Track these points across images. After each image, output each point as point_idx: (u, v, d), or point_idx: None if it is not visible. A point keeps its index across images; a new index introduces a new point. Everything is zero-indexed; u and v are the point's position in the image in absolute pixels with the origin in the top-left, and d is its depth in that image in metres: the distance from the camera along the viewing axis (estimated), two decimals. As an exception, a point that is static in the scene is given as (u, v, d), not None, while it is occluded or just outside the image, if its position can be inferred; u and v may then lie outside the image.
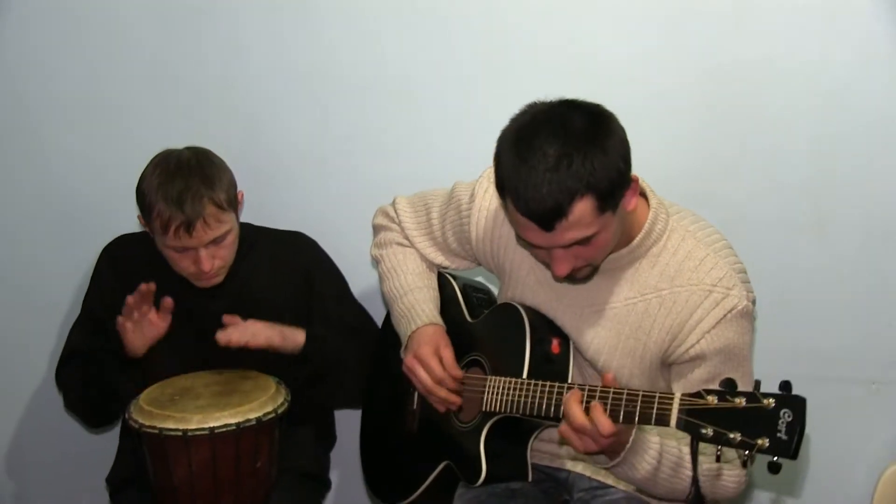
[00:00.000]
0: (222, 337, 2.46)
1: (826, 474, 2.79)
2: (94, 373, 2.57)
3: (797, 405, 1.67)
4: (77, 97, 2.88)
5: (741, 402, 1.70)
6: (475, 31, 2.72)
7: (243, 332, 2.49)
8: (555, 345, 2.21)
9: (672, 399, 1.80)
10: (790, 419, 1.66)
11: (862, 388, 2.73)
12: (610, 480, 2.29)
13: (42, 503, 3.15)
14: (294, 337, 2.54)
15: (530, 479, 2.27)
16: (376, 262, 2.56)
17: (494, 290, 2.60)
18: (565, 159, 1.89)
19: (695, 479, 1.82)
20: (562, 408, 2.00)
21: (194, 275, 2.50)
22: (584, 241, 1.98)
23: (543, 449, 2.34)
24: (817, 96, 2.60)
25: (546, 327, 2.24)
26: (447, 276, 2.55)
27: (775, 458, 1.68)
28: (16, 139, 2.93)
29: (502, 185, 1.99)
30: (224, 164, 2.51)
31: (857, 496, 2.74)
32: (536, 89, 2.70)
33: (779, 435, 1.66)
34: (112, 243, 2.70)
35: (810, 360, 2.72)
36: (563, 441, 2.13)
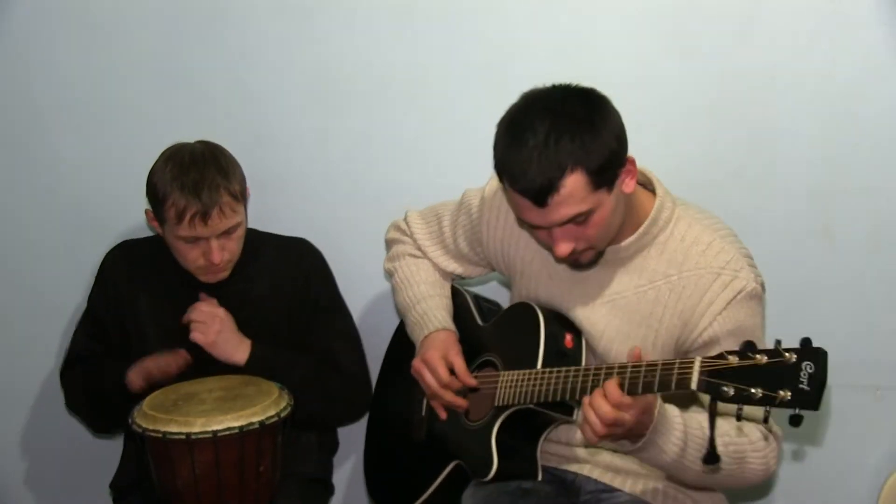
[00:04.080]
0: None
1: (830, 480, 2.79)
2: (94, 380, 2.58)
3: (819, 357, 1.69)
4: (85, 100, 2.89)
5: (763, 358, 1.72)
6: (482, 36, 2.72)
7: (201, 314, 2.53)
8: (568, 339, 2.23)
9: (692, 363, 1.82)
10: (812, 370, 1.68)
11: (867, 394, 2.73)
12: (616, 483, 2.29)
13: (45, 508, 3.16)
14: (230, 353, 2.53)
15: (540, 477, 2.28)
16: (389, 274, 2.59)
17: (503, 304, 2.60)
18: (554, 135, 1.96)
19: (711, 439, 1.82)
20: (578, 393, 2.02)
21: (203, 268, 2.51)
22: (581, 220, 2.02)
23: (552, 450, 2.35)
24: (824, 102, 2.61)
25: (559, 323, 2.26)
26: (458, 287, 2.58)
27: (797, 410, 1.69)
28: (24, 141, 2.93)
29: (499, 168, 2.05)
30: (234, 158, 2.54)
31: (861, 502, 2.74)
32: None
33: (801, 386, 1.68)
34: (115, 248, 2.71)
35: (815, 365, 2.72)
36: (585, 442, 2.18)
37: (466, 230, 2.44)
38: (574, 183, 1.96)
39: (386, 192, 2.82)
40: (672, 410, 2.02)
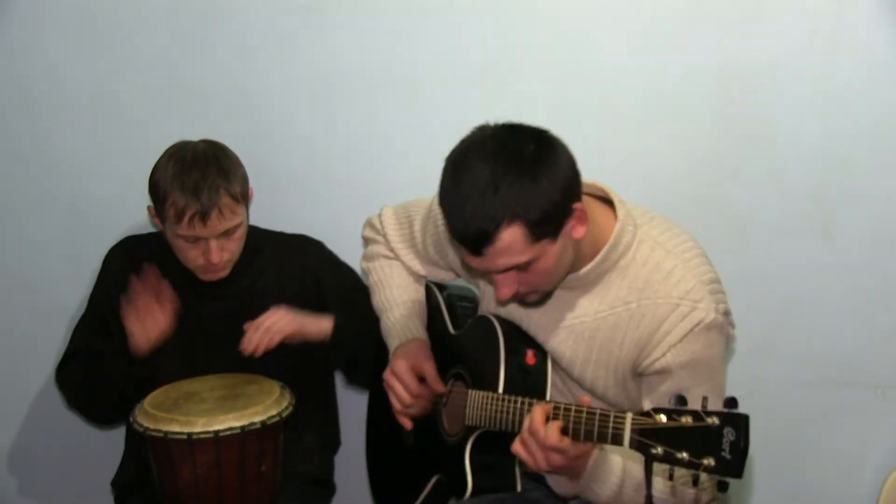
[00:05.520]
0: (247, 346, 2.50)
1: (831, 479, 2.79)
2: (95, 371, 2.57)
3: (740, 423, 1.65)
4: (85, 99, 2.88)
5: (688, 420, 1.69)
6: (482, 33, 2.73)
7: (265, 332, 2.50)
8: (530, 356, 2.19)
9: (624, 418, 1.79)
10: (733, 438, 1.65)
11: (867, 393, 2.73)
12: None
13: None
14: (319, 325, 2.54)
15: (519, 489, 2.24)
16: (366, 274, 2.58)
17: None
18: (491, 185, 1.87)
19: (648, 498, 1.81)
20: None
21: (202, 267, 2.51)
22: (523, 268, 1.96)
23: None
24: (823, 100, 2.61)
25: (520, 339, 2.22)
26: (433, 287, 2.56)
27: (722, 478, 1.68)
28: (24, 140, 2.93)
29: (441, 208, 1.99)
30: (238, 158, 2.54)
31: (862, 501, 2.75)
32: (543, 91, 2.71)
33: (723, 454, 1.65)
34: (118, 244, 2.71)
35: (816, 365, 2.72)
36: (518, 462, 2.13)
37: (434, 238, 2.41)
38: (511, 236, 1.89)
39: (385, 192, 2.80)
40: (612, 457, 2.01)
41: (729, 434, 1.65)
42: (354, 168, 2.86)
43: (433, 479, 2.36)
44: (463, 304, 2.56)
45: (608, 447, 1.95)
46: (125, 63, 2.85)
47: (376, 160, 2.85)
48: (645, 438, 1.75)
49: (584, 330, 2.14)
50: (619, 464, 2.02)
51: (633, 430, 1.77)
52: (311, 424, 2.67)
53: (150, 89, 2.86)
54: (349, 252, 2.74)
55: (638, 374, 2.12)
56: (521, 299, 2.09)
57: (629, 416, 1.79)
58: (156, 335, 2.49)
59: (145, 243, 2.69)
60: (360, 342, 2.58)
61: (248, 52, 2.82)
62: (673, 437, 1.71)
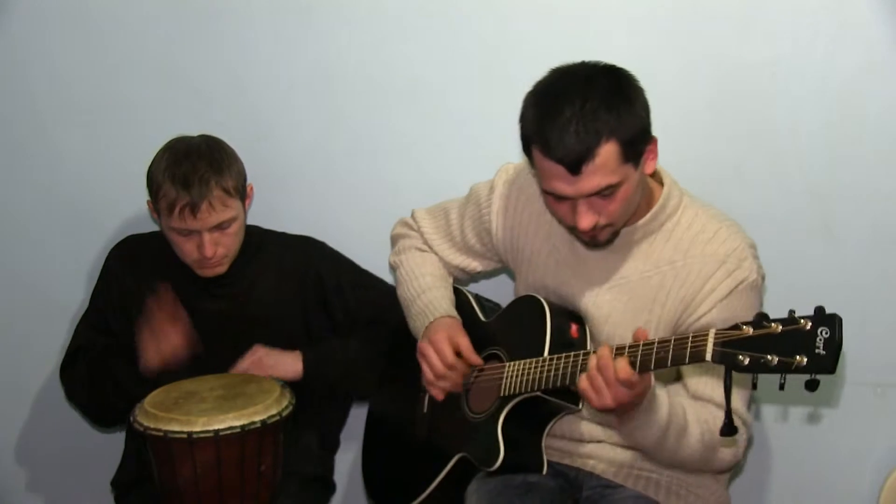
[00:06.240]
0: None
1: (831, 478, 2.79)
2: (99, 372, 2.58)
3: (834, 322, 1.70)
4: (85, 98, 2.89)
5: (777, 327, 1.73)
6: (483, 33, 2.72)
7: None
8: (574, 329, 2.26)
9: (706, 335, 1.84)
10: (828, 335, 1.69)
11: (867, 391, 2.73)
12: (619, 479, 2.31)
13: (46, 504, 3.17)
14: (294, 367, 2.58)
15: (545, 471, 2.29)
16: (394, 268, 2.60)
17: (504, 304, 2.60)
18: (590, 104, 2.00)
19: (728, 411, 1.84)
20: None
21: (197, 261, 2.52)
22: (608, 193, 2.04)
23: (555, 445, 2.36)
24: (824, 99, 2.61)
25: (564, 313, 2.29)
26: (459, 287, 2.59)
27: (813, 375, 1.71)
28: (25, 138, 2.94)
29: (529, 140, 2.08)
30: (235, 154, 2.55)
31: (862, 500, 2.74)
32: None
33: (817, 351, 1.69)
34: (121, 242, 2.72)
35: (815, 363, 2.71)
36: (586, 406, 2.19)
37: (475, 221, 2.46)
38: (608, 152, 2.00)
39: (386, 191, 2.83)
40: (659, 398, 2.06)
41: (823, 333, 1.70)
42: (355, 167, 2.86)
43: (452, 461, 2.37)
44: (490, 304, 2.61)
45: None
46: (126, 62, 2.86)
47: (377, 159, 2.85)
48: (729, 349, 1.78)
49: (630, 289, 2.23)
50: (665, 408, 2.07)
51: (715, 344, 1.81)
52: (311, 424, 2.67)
53: (151, 89, 2.87)
54: (349, 250, 2.75)
55: (678, 333, 2.15)
56: (594, 237, 2.15)
57: (712, 330, 1.83)
58: (169, 355, 2.52)
59: (147, 242, 2.70)
60: (336, 374, 2.60)
61: (249, 52, 2.82)
62: (760, 345, 1.75)
